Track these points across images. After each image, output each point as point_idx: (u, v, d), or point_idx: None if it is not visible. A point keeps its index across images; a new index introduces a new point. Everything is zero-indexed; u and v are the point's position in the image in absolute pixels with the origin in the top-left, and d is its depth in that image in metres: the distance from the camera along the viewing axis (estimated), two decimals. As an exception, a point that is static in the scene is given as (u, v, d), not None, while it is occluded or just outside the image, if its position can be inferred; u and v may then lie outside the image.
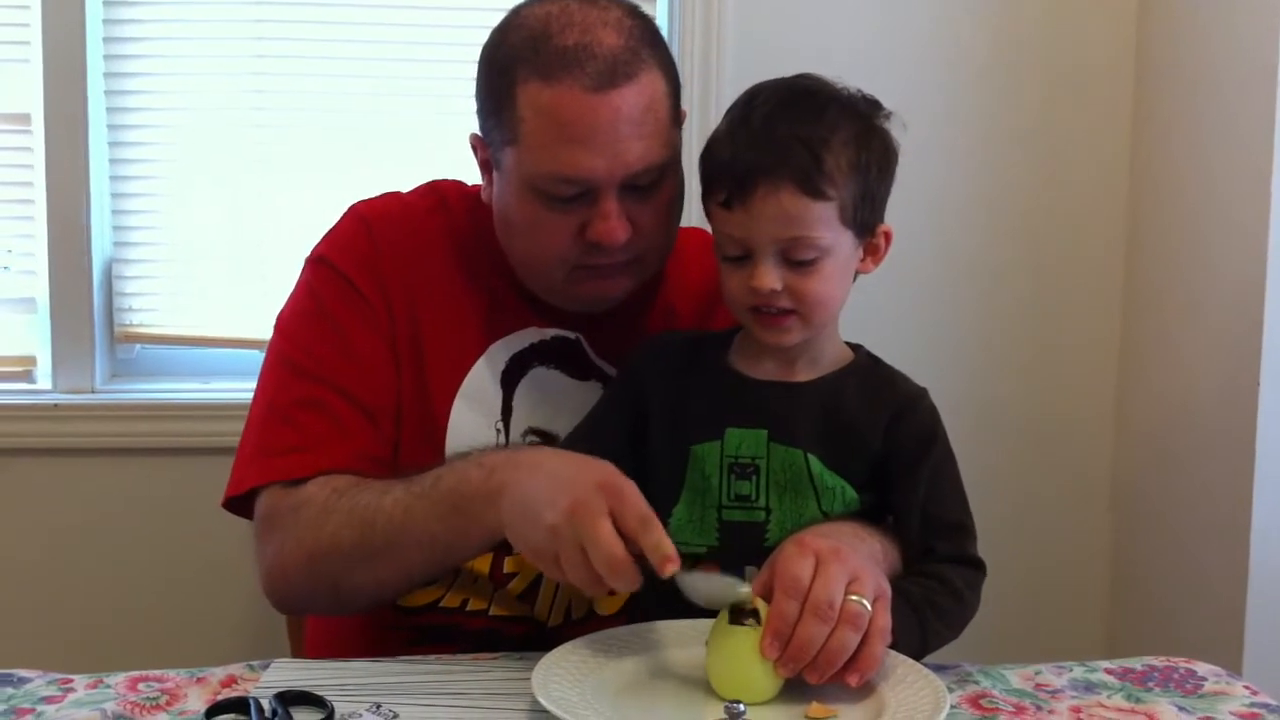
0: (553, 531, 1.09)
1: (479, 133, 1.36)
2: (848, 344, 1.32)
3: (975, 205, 2.22)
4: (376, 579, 1.28)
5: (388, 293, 1.39)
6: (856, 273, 1.26)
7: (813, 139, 1.18)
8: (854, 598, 1.07)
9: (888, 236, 1.26)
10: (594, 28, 1.27)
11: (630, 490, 1.10)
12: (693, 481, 1.26)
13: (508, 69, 1.29)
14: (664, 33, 2.09)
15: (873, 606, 1.08)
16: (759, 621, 1.08)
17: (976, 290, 2.24)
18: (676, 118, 1.34)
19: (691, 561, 1.21)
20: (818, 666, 1.06)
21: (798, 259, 1.20)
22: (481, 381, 1.40)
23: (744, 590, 1.10)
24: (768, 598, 1.09)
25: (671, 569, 1.06)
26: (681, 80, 1.36)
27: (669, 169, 1.32)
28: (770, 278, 1.19)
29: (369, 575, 1.27)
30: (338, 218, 1.45)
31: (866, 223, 1.23)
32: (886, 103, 1.25)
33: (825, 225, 1.19)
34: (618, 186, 1.28)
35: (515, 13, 1.33)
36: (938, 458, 1.26)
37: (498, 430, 1.39)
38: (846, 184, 1.19)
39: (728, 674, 1.08)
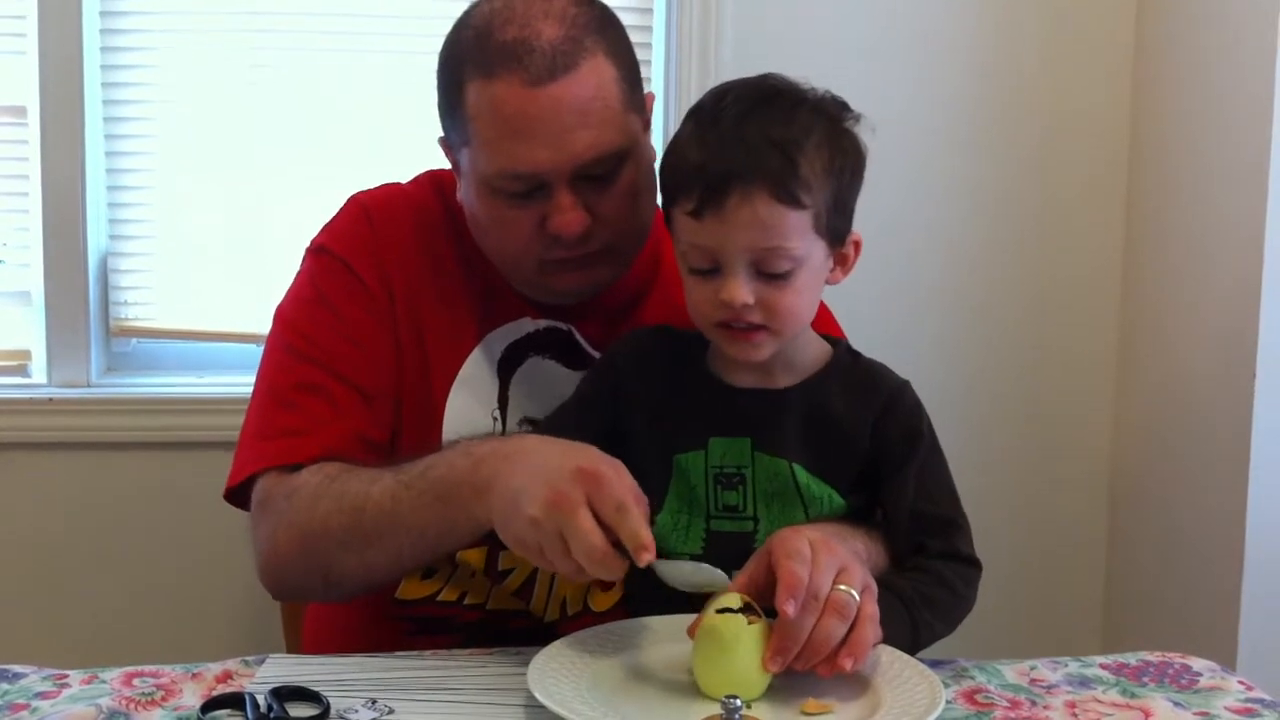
0: (533, 523, 1.09)
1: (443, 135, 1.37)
2: (825, 338, 1.29)
3: (975, 201, 2.22)
4: (366, 566, 1.27)
5: (389, 280, 1.38)
6: (825, 283, 1.22)
7: (787, 141, 1.13)
8: (841, 588, 1.07)
9: (857, 246, 1.23)
10: (534, 20, 1.26)
11: (610, 474, 1.09)
12: (679, 490, 1.25)
13: (456, 70, 1.29)
14: (663, 24, 2.11)
15: (860, 597, 1.08)
16: (747, 617, 1.07)
17: (976, 286, 2.24)
18: (634, 103, 1.32)
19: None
20: (804, 656, 1.06)
21: (771, 271, 1.15)
22: (479, 370, 1.40)
23: (721, 575, 1.09)
24: (755, 593, 1.09)
25: (647, 558, 1.06)
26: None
27: (627, 156, 1.31)
28: (742, 291, 1.14)
29: (358, 562, 1.26)
30: (337, 208, 1.45)
31: (838, 231, 1.19)
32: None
33: (800, 235, 1.15)
34: (570, 178, 1.27)
35: (466, 12, 1.32)
36: (925, 455, 1.24)
37: (494, 419, 1.39)
38: (821, 191, 1.15)
39: (713, 672, 1.08)
